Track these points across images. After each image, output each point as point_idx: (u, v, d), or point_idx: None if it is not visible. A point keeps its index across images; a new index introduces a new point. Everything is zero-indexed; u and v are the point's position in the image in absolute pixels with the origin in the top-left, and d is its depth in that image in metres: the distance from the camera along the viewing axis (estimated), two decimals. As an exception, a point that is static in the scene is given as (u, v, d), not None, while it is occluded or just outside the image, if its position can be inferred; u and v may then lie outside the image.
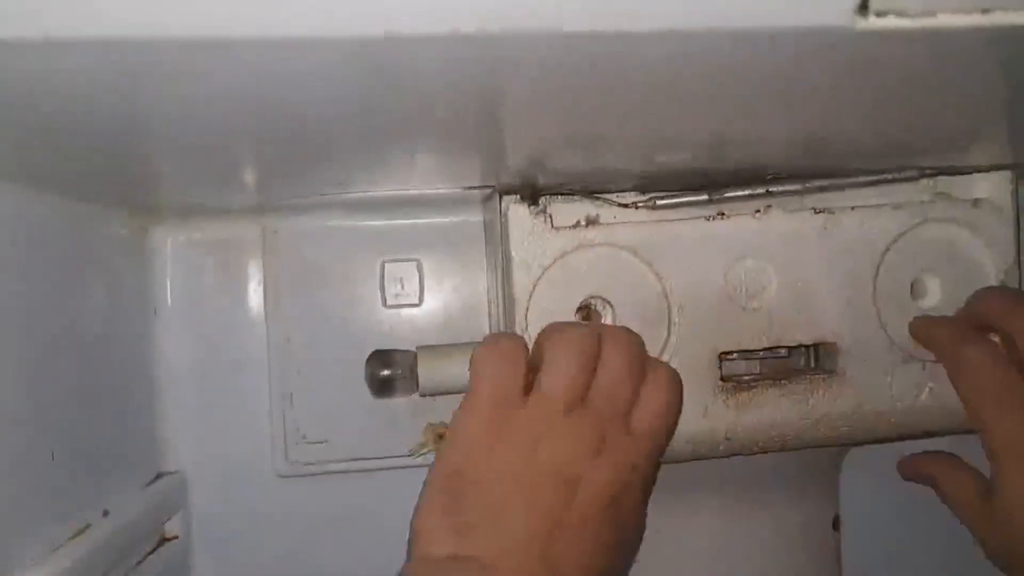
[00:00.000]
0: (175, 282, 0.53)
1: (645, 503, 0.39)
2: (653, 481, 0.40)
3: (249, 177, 0.43)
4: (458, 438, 0.38)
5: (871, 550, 0.57)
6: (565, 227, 0.45)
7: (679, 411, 0.40)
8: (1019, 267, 0.47)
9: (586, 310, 0.46)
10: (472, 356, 0.39)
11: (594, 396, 0.38)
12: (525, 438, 0.37)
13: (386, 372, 0.51)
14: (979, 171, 0.47)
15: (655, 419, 0.39)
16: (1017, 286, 0.47)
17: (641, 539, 0.40)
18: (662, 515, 0.41)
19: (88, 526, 0.43)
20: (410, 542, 0.37)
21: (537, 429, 0.37)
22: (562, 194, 0.47)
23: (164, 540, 0.53)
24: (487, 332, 0.53)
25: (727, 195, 0.45)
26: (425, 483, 0.38)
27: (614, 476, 0.36)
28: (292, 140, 0.33)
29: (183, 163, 0.38)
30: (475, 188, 0.46)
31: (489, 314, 0.53)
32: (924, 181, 0.47)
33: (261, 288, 0.53)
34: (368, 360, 0.51)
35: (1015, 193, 0.47)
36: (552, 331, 0.40)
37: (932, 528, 0.58)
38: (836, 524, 0.53)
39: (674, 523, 0.47)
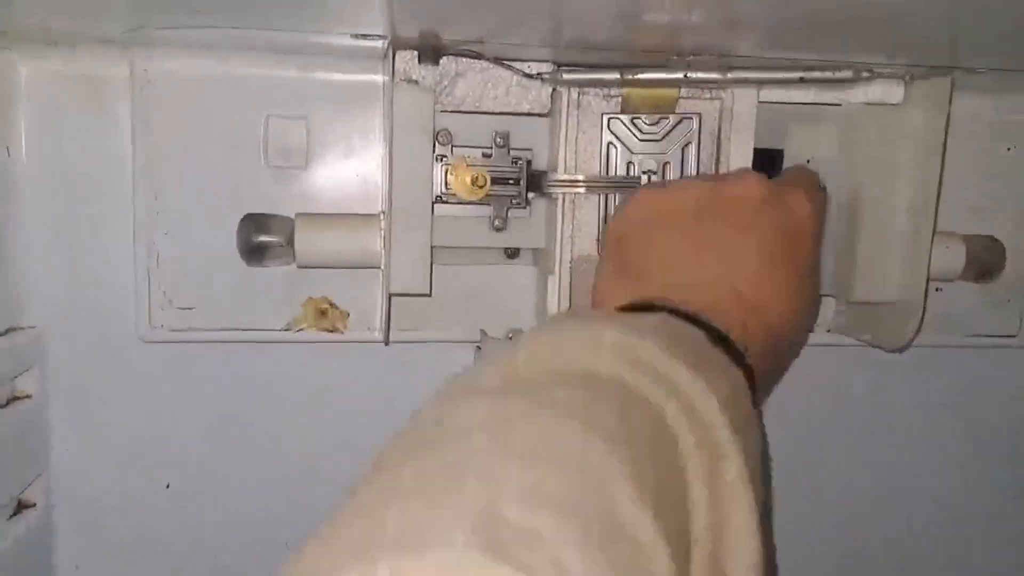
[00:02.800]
0: (31, 119, 0.47)
1: (818, 249, 0.39)
2: (821, 235, 0.40)
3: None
4: (622, 210, 0.40)
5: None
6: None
7: (815, 177, 0.41)
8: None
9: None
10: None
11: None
12: (684, 191, 0.38)
13: (261, 238, 0.47)
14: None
15: (796, 169, 0.41)
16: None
17: (818, 292, 0.40)
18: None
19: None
20: (592, 301, 0.39)
21: (695, 184, 0.38)
22: (465, 55, 0.43)
23: (16, 398, 0.49)
24: (378, 207, 0.49)
25: (640, 76, 0.41)
26: (600, 257, 0.41)
27: (782, 208, 0.37)
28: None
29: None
30: (366, 37, 0.41)
31: (382, 187, 0.49)
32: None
33: (129, 134, 0.47)
34: (241, 224, 0.47)
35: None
36: None
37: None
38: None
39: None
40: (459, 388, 0.27)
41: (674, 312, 0.32)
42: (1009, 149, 0.55)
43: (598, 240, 0.46)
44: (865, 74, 0.42)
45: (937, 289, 0.54)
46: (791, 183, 0.39)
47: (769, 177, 0.49)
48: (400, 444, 0.25)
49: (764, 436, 0.34)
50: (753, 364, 0.33)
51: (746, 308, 0.35)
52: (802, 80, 0.41)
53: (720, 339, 0.32)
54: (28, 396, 0.49)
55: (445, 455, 0.23)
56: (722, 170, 0.46)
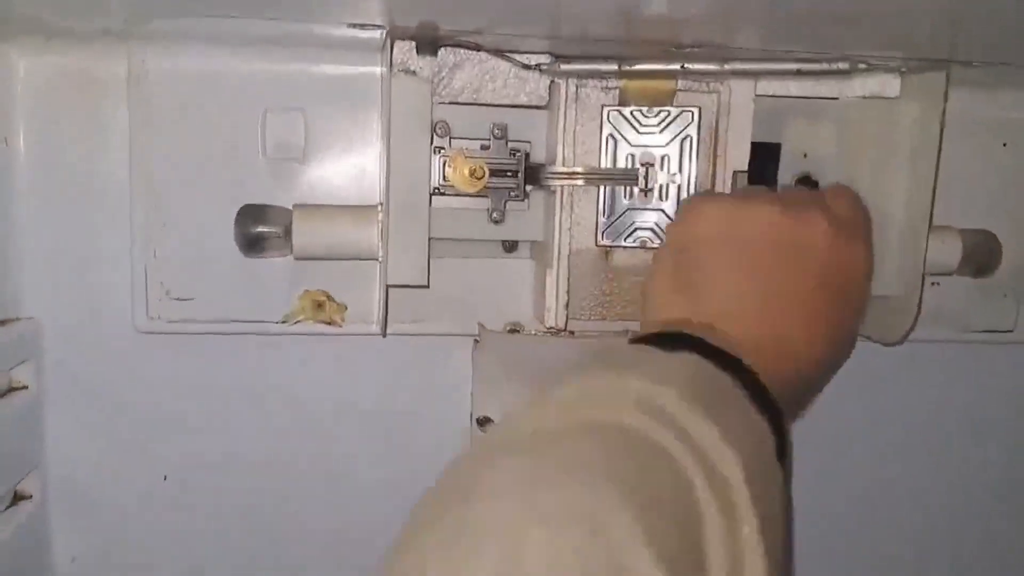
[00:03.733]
0: (27, 111, 0.47)
1: (867, 287, 0.39)
2: (871, 268, 0.40)
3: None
4: (680, 221, 0.40)
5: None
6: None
7: (867, 213, 0.41)
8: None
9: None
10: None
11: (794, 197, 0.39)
12: (757, 215, 0.37)
13: (258, 229, 0.47)
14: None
15: (854, 207, 0.40)
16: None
17: (854, 344, 0.40)
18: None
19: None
20: (642, 306, 0.40)
21: (768, 210, 0.37)
22: (464, 46, 0.43)
23: (12, 389, 0.49)
24: (376, 199, 0.49)
25: (637, 67, 0.41)
26: (653, 259, 0.41)
27: (844, 251, 0.37)
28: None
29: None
30: (364, 27, 0.41)
31: (380, 179, 0.49)
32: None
33: (126, 126, 0.47)
34: (239, 215, 0.47)
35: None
36: None
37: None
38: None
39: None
40: (494, 443, 0.28)
41: (712, 350, 0.32)
42: (1005, 144, 0.55)
43: (596, 232, 0.46)
44: (861, 66, 0.42)
45: (934, 284, 0.55)
46: (857, 228, 0.39)
47: (767, 172, 0.50)
48: (432, 503, 0.26)
49: (790, 480, 0.34)
50: (783, 408, 0.33)
51: (789, 354, 0.35)
52: (799, 72, 0.41)
53: (753, 383, 0.32)
54: (25, 387, 0.49)
55: (469, 519, 0.24)
56: (719, 164, 0.46)
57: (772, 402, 0.32)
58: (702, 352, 0.32)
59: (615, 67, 0.41)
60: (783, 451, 0.32)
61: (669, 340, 0.33)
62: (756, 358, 0.33)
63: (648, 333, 0.35)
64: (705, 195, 0.42)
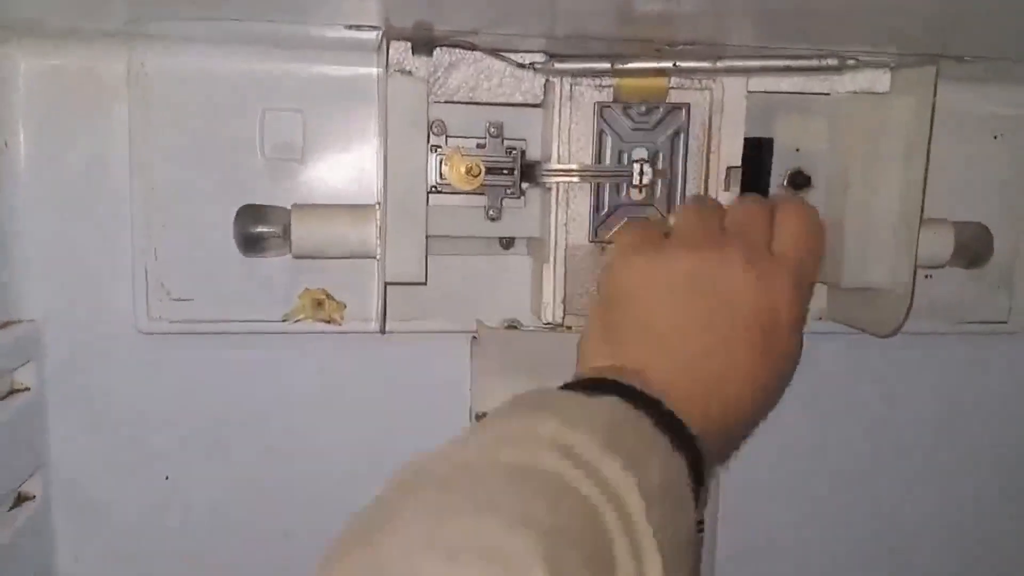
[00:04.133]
0: (28, 113, 0.48)
1: (798, 331, 0.40)
2: (805, 312, 0.41)
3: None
4: (610, 271, 0.41)
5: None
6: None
7: (820, 237, 0.42)
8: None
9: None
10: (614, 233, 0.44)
11: (730, 226, 0.40)
12: (672, 263, 0.39)
13: (258, 229, 0.48)
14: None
15: (795, 240, 0.40)
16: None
17: (794, 368, 0.41)
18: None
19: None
20: (577, 359, 0.41)
21: (683, 256, 0.38)
22: (458, 46, 0.43)
23: (14, 391, 0.50)
24: (374, 198, 0.49)
25: (630, 65, 0.42)
26: (589, 311, 0.43)
27: (763, 294, 0.38)
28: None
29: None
30: (360, 28, 0.42)
31: (377, 178, 0.50)
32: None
33: (126, 128, 0.48)
34: (238, 215, 0.48)
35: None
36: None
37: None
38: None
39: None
40: (408, 475, 0.29)
41: (631, 391, 0.34)
42: (996, 137, 0.56)
43: (591, 228, 0.47)
44: (851, 62, 0.42)
45: (927, 276, 0.55)
46: (782, 259, 0.39)
47: (760, 167, 0.50)
48: (345, 534, 0.27)
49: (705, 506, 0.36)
50: (704, 446, 0.34)
51: (711, 392, 0.37)
52: (788, 68, 0.42)
53: (673, 423, 0.33)
54: (27, 389, 0.50)
55: (376, 550, 0.25)
56: (713, 160, 0.47)
57: (689, 438, 0.33)
58: (623, 394, 0.33)
59: (608, 66, 0.42)
60: (700, 484, 0.33)
61: (593, 385, 0.35)
62: (680, 399, 0.34)
63: (575, 380, 0.36)
64: (630, 236, 0.42)
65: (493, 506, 0.26)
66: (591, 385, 0.35)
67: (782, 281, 0.38)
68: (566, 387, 0.35)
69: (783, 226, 0.40)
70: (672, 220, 0.43)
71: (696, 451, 0.33)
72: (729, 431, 0.38)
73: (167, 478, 0.53)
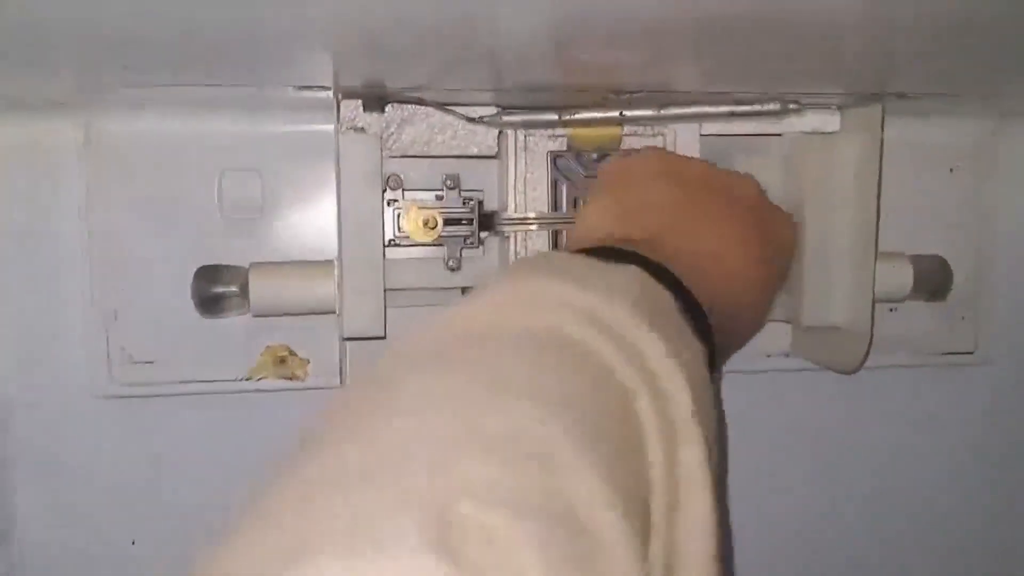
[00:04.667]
0: (-15, 182, 0.48)
1: (788, 267, 0.46)
2: (791, 260, 0.46)
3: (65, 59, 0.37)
4: (615, 160, 0.44)
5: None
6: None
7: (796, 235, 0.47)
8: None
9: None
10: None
11: None
12: (686, 161, 0.42)
13: (215, 289, 0.48)
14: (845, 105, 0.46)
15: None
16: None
17: (791, 257, 0.46)
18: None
19: None
20: (576, 233, 0.41)
21: (694, 160, 0.43)
22: (409, 102, 0.44)
23: (-23, 462, 0.49)
24: (335, 253, 0.49)
25: (577, 116, 0.42)
26: (591, 190, 0.44)
27: (760, 197, 0.43)
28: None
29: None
30: (311, 88, 0.42)
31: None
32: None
33: (82, 193, 0.48)
34: (196, 275, 0.48)
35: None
36: None
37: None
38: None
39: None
40: (416, 349, 0.25)
41: (657, 267, 0.31)
42: (952, 170, 0.57)
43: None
44: (792, 106, 0.43)
45: (891, 309, 0.55)
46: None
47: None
48: (346, 409, 0.23)
49: (720, 405, 0.39)
50: (716, 338, 0.33)
51: (724, 282, 0.37)
52: (732, 114, 0.42)
53: (691, 307, 0.31)
54: (-10, 459, 0.49)
55: (395, 434, 0.21)
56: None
57: (707, 325, 0.32)
58: (646, 268, 0.31)
59: (555, 116, 0.42)
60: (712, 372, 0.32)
61: (610, 253, 0.32)
62: (692, 274, 0.33)
63: (586, 246, 0.33)
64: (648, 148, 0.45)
65: (522, 388, 0.22)
66: (608, 252, 0.32)
67: (785, 215, 0.45)
68: (579, 251, 0.32)
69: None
70: None
71: (710, 336, 0.32)
72: (730, 325, 0.36)
73: (133, 543, 0.52)
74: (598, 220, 0.39)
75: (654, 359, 0.25)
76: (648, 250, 0.33)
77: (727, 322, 0.36)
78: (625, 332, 0.26)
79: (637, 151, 0.45)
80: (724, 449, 0.50)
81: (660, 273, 0.31)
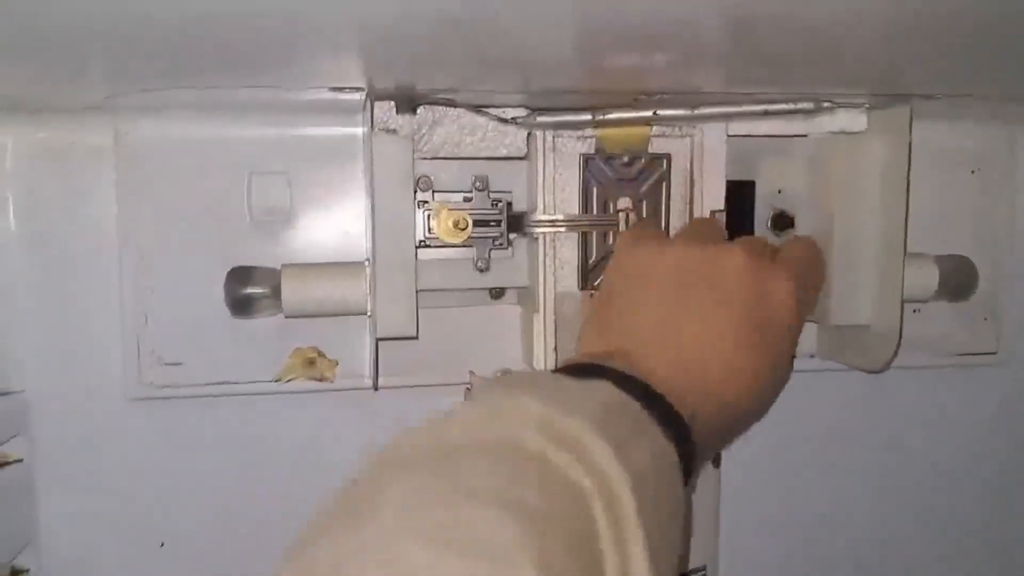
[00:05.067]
0: (17, 188, 0.48)
1: (793, 337, 0.39)
2: (801, 323, 0.40)
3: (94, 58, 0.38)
4: (613, 264, 0.42)
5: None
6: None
7: (822, 267, 0.42)
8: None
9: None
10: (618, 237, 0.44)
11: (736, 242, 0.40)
12: (674, 254, 0.39)
13: (248, 290, 0.48)
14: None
15: (799, 257, 0.40)
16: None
17: (788, 372, 0.40)
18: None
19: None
20: (577, 347, 0.41)
21: (685, 249, 0.38)
22: (441, 104, 0.44)
23: (6, 463, 0.49)
24: (362, 255, 0.50)
25: (610, 116, 0.42)
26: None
27: (762, 293, 0.37)
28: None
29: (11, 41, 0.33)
30: (344, 90, 0.42)
31: (366, 236, 0.50)
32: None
33: (113, 197, 0.48)
34: (228, 277, 0.48)
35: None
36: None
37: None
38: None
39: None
40: (390, 459, 0.28)
41: (624, 377, 0.33)
42: (974, 172, 0.57)
43: (579, 276, 0.47)
44: (826, 104, 0.43)
45: (915, 310, 0.56)
46: (783, 264, 0.40)
47: (743, 209, 0.51)
48: (324, 515, 0.26)
49: (690, 505, 0.36)
50: (698, 438, 0.33)
51: (705, 381, 0.36)
52: (766, 113, 0.43)
53: (665, 411, 0.33)
54: (19, 460, 0.49)
55: (358, 533, 0.24)
56: (696, 205, 0.48)
57: (682, 426, 0.32)
58: (612, 378, 0.32)
59: (589, 117, 0.43)
60: (690, 475, 0.32)
61: (582, 369, 0.34)
62: (671, 385, 0.33)
63: (563, 364, 0.36)
64: (635, 232, 0.43)
65: (479, 491, 0.25)
66: (580, 369, 0.34)
67: (782, 283, 0.38)
68: (556, 371, 0.35)
69: (788, 249, 0.42)
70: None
71: (686, 437, 0.32)
72: (718, 423, 0.36)
73: (162, 545, 0.52)
74: (587, 336, 0.40)
75: (604, 462, 0.27)
76: (624, 363, 0.35)
77: (717, 419, 0.36)
78: (579, 439, 0.28)
79: (624, 242, 0.42)
80: (687, 535, 0.48)
81: (629, 382, 0.33)
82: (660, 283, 0.38)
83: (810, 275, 0.41)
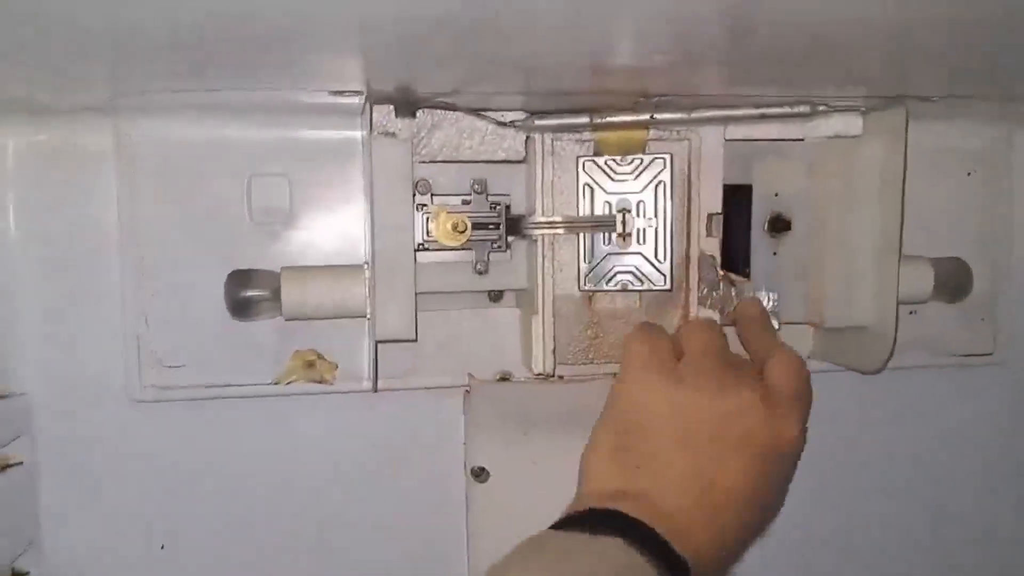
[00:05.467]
0: (18, 189, 0.48)
1: (797, 461, 0.42)
2: (804, 445, 0.42)
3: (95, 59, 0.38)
4: (624, 389, 0.42)
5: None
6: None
7: (807, 384, 0.42)
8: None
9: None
10: (625, 338, 0.44)
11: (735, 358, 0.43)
12: (691, 402, 0.40)
13: (247, 293, 0.48)
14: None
15: (793, 376, 0.41)
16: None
17: (777, 512, 0.43)
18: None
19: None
20: (580, 478, 0.41)
21: (702, 397, 0.40)
22: (440, 107, 0.44)
23: (7, 465, 0.49)
24: (361, 258, 0.50)
25: (608, 119, 0.43)
26: (595, 428, 0.42)
27: (775, 434, 0.40)
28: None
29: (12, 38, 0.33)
30: (343, 93, 0.43)
31: (365, 239, 0.50)
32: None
33: (114, 199, 0.49)
34: (228, 280, 0.48)
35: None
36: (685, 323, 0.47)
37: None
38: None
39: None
40: None
41: (637, 529, 0.35)
42: (970, 174, 0.57)
43: (578, 279, 0.48)
44: (821, 108, 0.44)
45: (911, 312, 0.56)
46: (793, 408, 0.41)
47: (741, 213, 0.51)
48: None
49: None
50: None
51: (717, 518, 0.38)
52: (763, 116, 0.43)
53: (675, 563, 0.35)
54: (20, 463, 0.50)
55: None
56: (693, 208, 0.48)
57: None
58: (628, 533, 0.35)
59: (587, 119, 0.43)
60: None
61: (599, 519, 0.36)
62: (684, 529, 0.37)
63: (579, 510, 0.38)
64: (642, 347, 0.43)
65: None
66: (595, 519, 0.36)
67: (792, 422, 0.41)
68: (570, 519, 0.37)
69: (779, 371, 0.42)
70: (681, 334, 0.44)
71: None
72: (729, 558, 0.40)
73: (163, 547, 0.52)
74: (602, 467, 0.41)
75: None
76: (639, 505, 0.37)
77: (730, 555, 0.40)
78: None
79: (639, 377, 0.42)
80: None
81: (643, 537, 0.35)
82: (678, 430, 0.40)
83: (809, 402, 0.43)
